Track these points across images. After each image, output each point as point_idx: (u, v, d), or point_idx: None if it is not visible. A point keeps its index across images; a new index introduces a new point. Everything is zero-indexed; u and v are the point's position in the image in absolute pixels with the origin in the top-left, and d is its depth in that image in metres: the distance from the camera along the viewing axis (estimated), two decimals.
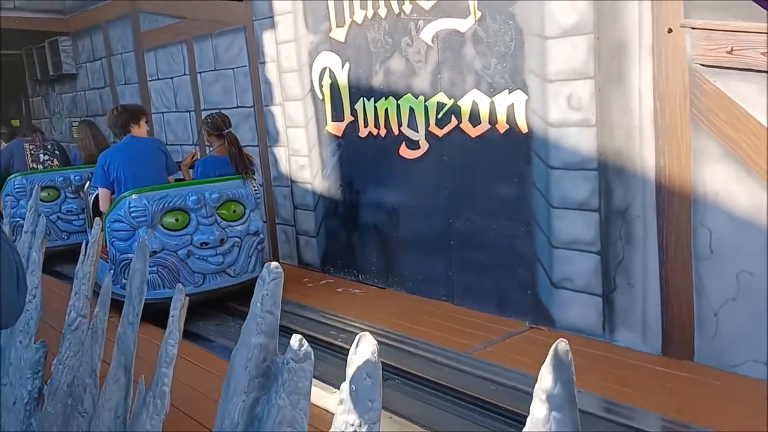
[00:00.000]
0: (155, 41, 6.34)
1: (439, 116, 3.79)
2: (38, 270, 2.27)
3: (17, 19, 7.51)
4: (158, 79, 6.45)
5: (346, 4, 4.25)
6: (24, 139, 5.93)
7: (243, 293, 4.27)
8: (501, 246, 3.58)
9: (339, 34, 4.34)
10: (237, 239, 4.23)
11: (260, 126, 5.24)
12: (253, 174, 4.47)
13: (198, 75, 5.86)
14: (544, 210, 3.34)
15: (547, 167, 3.28)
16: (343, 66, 4.37)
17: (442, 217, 3.90)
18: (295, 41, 4.71)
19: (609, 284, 3.12)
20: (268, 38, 4.94)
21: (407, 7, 3.83)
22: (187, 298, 1.49)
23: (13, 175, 5.71)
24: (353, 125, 4.39)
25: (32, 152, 5.77)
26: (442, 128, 3.80)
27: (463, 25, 3.53)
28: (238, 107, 5.42)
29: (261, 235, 4.40)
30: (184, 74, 6.05)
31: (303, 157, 4.90)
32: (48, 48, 7.96)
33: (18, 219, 5.72)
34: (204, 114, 5.87)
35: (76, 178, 5.80)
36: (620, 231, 3.03)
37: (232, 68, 5.42)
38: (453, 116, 3.71)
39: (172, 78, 6.25)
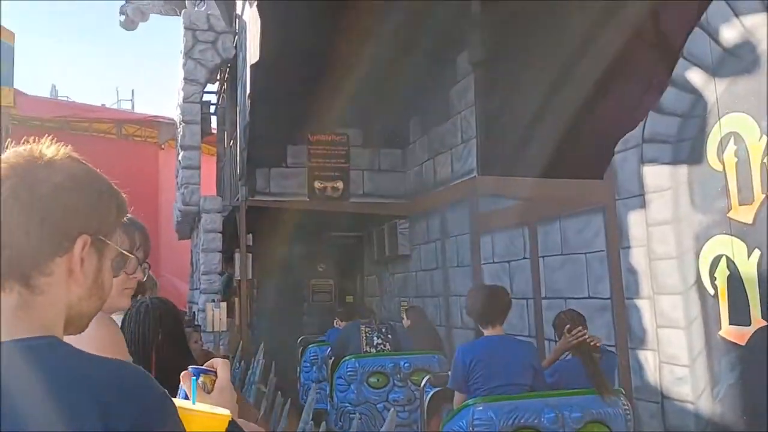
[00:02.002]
0: (493, 223, 6.04)
1: None
2: None
3: (366, 205, 8.06)
4: (494, 262, 6.06)
5: (754, 177, 3.30)
6: (361, 321, 5.89)
7: None
8: None
9: (744, 213, 3.36)
10: None
11: (619, 322, 4.32)
12: (621, 389, 3.51)
13: (540, 259, 5.28)
14: None
15: None
16: (749, 254, 3.32)
17: None
18: (675, 222, 3.84)
19: None
20: (635, 219, 4.16)
21: None
22: None
23: (346, 357, 5.61)
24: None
25: (367, 335, 5.65)
26: None
27: None
28: (589, 297, 4.62)
29: None
30: (524, 258, 5.53)
31: (682, 367, 3.79)
32: (387, 230, 8.33)
33: (346, 404, 5.52)
34: (545, 302, 5.21)
35: (406, 365, 5.45)
36: None
37: (584, 253, 4.71)
38: None
39: (509, 261, 5.79)
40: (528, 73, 6.18)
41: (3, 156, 0.86)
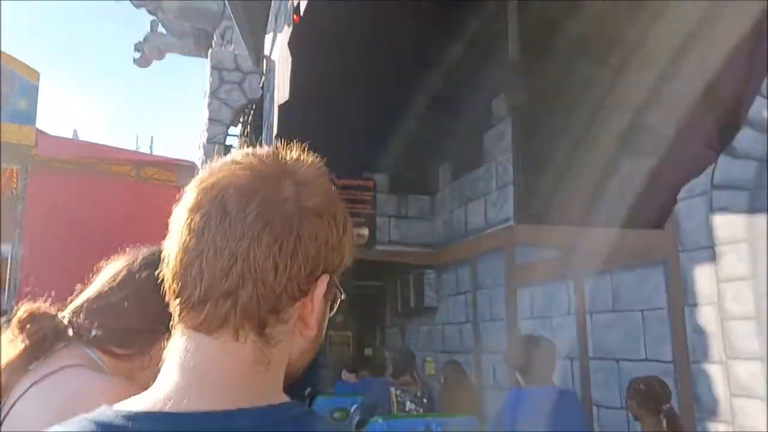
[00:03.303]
0: (532, 276, 5.64)
1: None
2: None
3: (391, 253, 7.69)
4: (532, 317, 5.64)
5: None
6: (391, 381, 5.43)
7: None
8: None
9: None
10: None
11: (684, 390, 3.86)
12: None
13: (588, 316, 4.86)
14: None
15: None
16: None
17: None
18: (753, 278, 3.43)
19: None
20: (703, 274, 3.76)
21: None
22: None
23: (374, 418, 5.15)
24: None
25: (399, 398, 5.19)
26: None
27: None
28: (646, 360, 4.18)
29: None
30: (568, 314, 5.11)
31: None
32: (413, 281, 7.93)
33: None
34: (593, 363, 4.77)
35: (438, 428, 4.98)
36: None
37: (641, 310, 4.29)
38: None
39: (550, 318, 5.36)
40: (571, 118, 5.88)
41: (241, 158, 0.69)
